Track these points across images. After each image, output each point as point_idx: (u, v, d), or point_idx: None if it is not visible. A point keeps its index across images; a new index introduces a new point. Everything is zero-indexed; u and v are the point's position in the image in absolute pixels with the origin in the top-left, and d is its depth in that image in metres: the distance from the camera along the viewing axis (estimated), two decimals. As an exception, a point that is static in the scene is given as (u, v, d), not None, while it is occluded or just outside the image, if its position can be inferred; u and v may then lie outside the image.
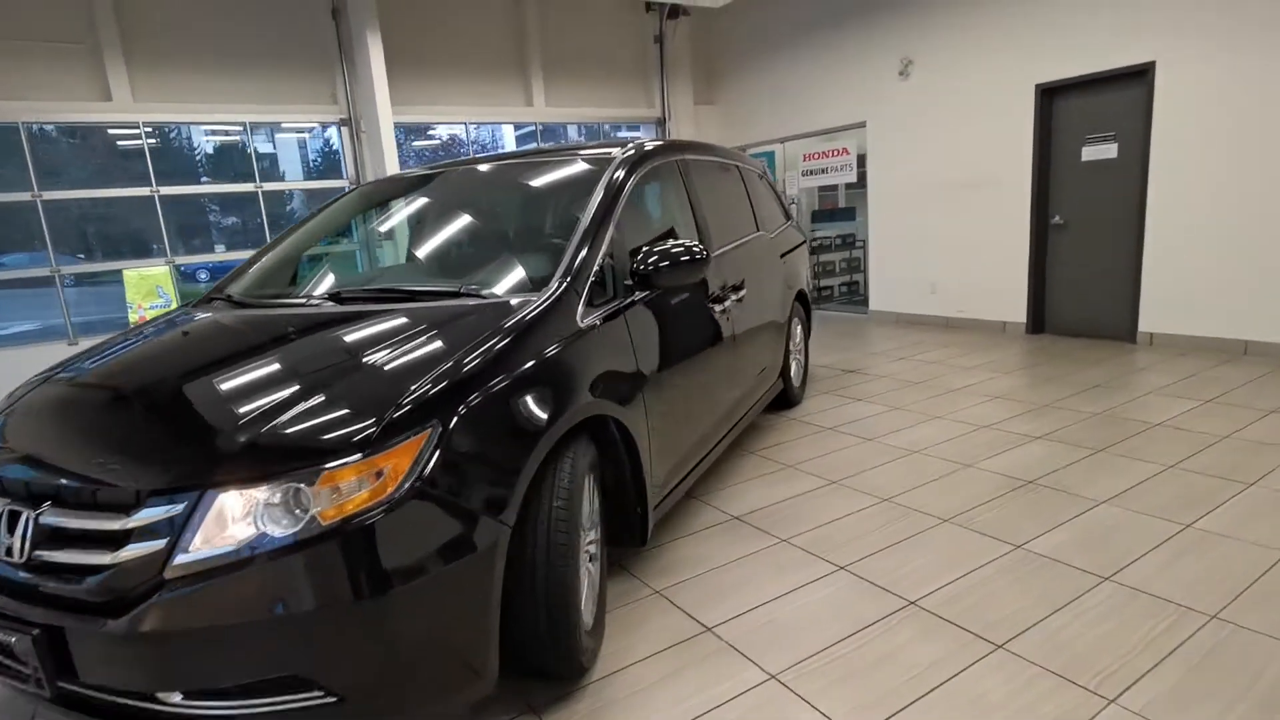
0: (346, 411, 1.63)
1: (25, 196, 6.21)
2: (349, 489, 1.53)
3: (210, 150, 7.29)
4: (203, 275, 8.44)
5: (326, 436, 1.58)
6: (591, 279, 2.33)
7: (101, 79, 6.37)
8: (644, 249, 2.52)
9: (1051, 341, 6.30)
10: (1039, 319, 6.61)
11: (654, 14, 8.96)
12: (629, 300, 2.47)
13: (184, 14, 6.62)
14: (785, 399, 4.66)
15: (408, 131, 8.17)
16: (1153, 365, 5.22)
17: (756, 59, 8.98)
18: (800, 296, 4.84)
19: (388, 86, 7.06)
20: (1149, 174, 5.63)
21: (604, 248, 2.43)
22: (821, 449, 3.95)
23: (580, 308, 2.23)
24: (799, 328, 4.85)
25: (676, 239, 2.61)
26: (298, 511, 1.50)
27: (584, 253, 2.36)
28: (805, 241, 5.27)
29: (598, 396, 2.16)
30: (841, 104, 8.01)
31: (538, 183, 3.00)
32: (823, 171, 8.38)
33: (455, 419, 1.68)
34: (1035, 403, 4.49)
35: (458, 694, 1.71)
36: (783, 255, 4.45)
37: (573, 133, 9.03)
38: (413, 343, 1.92)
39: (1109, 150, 5.95)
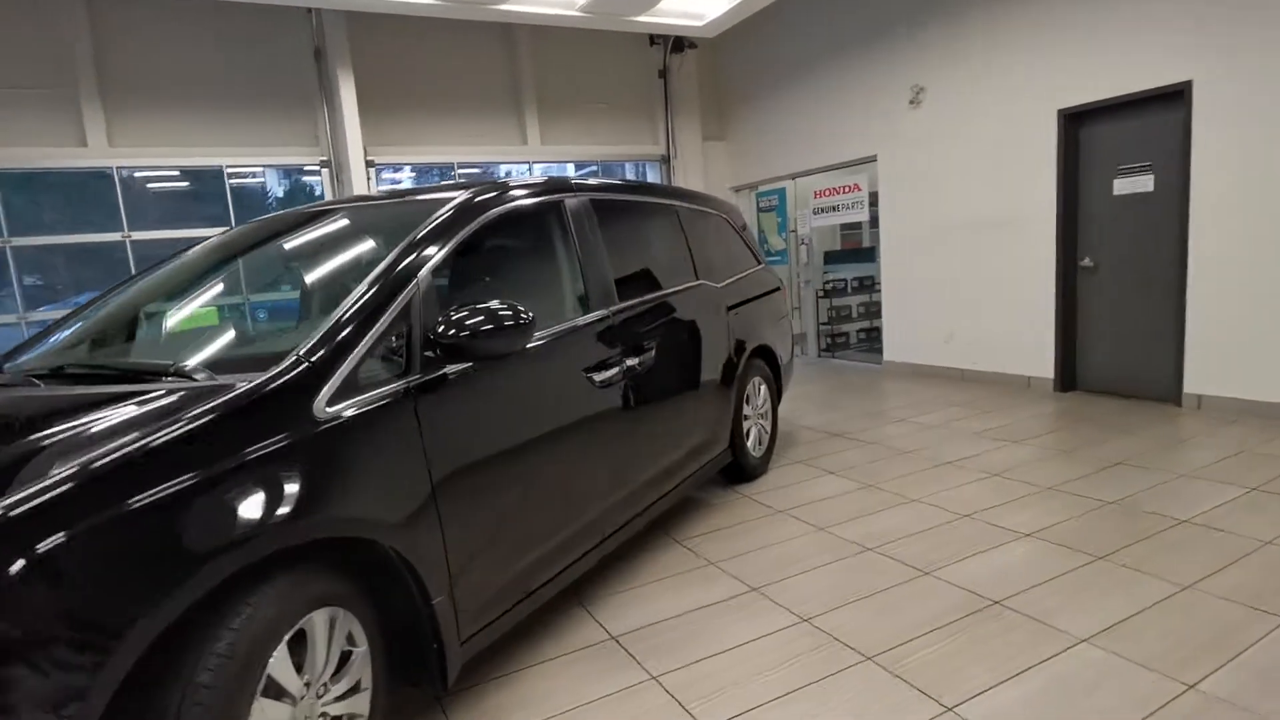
0: None
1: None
2: None
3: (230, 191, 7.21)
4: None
5: None
6: (360, 356, 1.83)
7: (76, 127, 6.35)
8: (444, 316, 2.01)
9: (1082, 402, 5.45)
10: (1068, 375, 5.77)
11: (658, 47, 8.60)
12: (421, 380, 1.95)
13: (163, 58, 6.58)
14: (740, 471, 4.03)
15: (423, 172, 7.94)
16: (1195, 436, 4.37)
17: (766, 92, 8.49)
18: (762, 352, 4.24)
19: (359, 127, 6.90)
20: (1190, 208, 4.81)
21: (390, 317, 1.93)
22: (759, 540, 3.30)
23: (324, 394, 1.72)
24: (762, 388, 4.23)
25: (512, 302, 2.09)
26: None
27: (350, 324, 1.86)
28: (777, 288, 4.68)
29: (335, 511, 1.64)
30: (851, 137, 7.41)
31: (346, 236, 2.54)
32: (833, 209, 7.75)
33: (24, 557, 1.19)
34: (1038, 484, 3.73)
35: None
36: (732, 307, 3.87)
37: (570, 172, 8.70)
38: (34, 446, 1.45)
39: (1144, 183, 5.17)
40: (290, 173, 7.41)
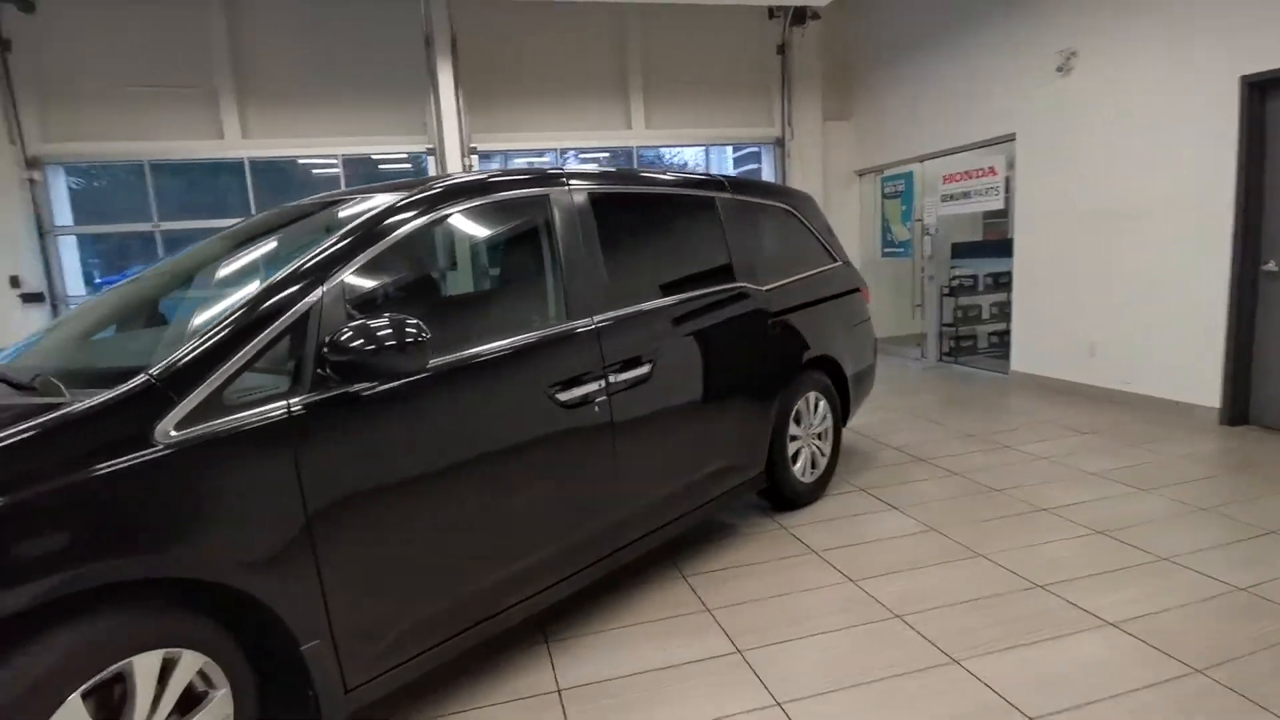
0: None
1: (146, 226, 6.92)
2: None
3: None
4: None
5: None
6: (229, 374, 1.68)
7: (213, 120, 6.92)
8: (331, 334, 1.81)
9: (1252, 441, 4.38)
10: (1240, 405, 4.66)
11: (778, 21, 7.99)
12: (305, 401, 1.76)
13: (290, 54, 7.00)
14: (784, 497, 3.58)
15: (531, 159, 7.97)
16: (1404, 504, 3.31)
17: (895, 64, 7.63)
18: (823, 364, 3.72)
19: (456, 114, 6.95)
20: None
21: (274, 332, 1.76)
22: (773, 585, 2.88)
23: (173, 416, 1.58)
24: (820, 405, 3.72)
25: (405, 317, 1.86)
26: None
27: (218, 338, 1.70)
28: (854, 290, 4.11)
29: (158, 547, 1.51)
30: (987, 113, 6.46)
31: (290, 236, 2.39)
32: (964, 196, 6.83)
33: None
34: (1152, 551, 2.98)
35: None
36: (780, 314, 3.40)
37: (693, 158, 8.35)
38: None
39: (1364, 166, 4.00)
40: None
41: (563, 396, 2.34)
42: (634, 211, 2.98)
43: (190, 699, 1.63)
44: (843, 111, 8.48)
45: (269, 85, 7.01)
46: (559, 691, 2.26)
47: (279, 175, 7.37)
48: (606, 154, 8.11)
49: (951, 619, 2.55)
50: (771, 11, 7.86)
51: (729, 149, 9.26)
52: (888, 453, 4.57)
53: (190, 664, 1.60)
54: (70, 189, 7.07)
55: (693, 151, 8.94)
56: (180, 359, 1.64)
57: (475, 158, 7.49)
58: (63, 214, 6.98)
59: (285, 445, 1.72)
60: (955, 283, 7.39)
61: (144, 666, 1.52)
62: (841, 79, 8.45)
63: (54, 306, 6.77)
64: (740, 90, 8.13)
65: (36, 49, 6.47)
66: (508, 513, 2.23)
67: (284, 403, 1.74)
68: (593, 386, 2.43)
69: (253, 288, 1.85)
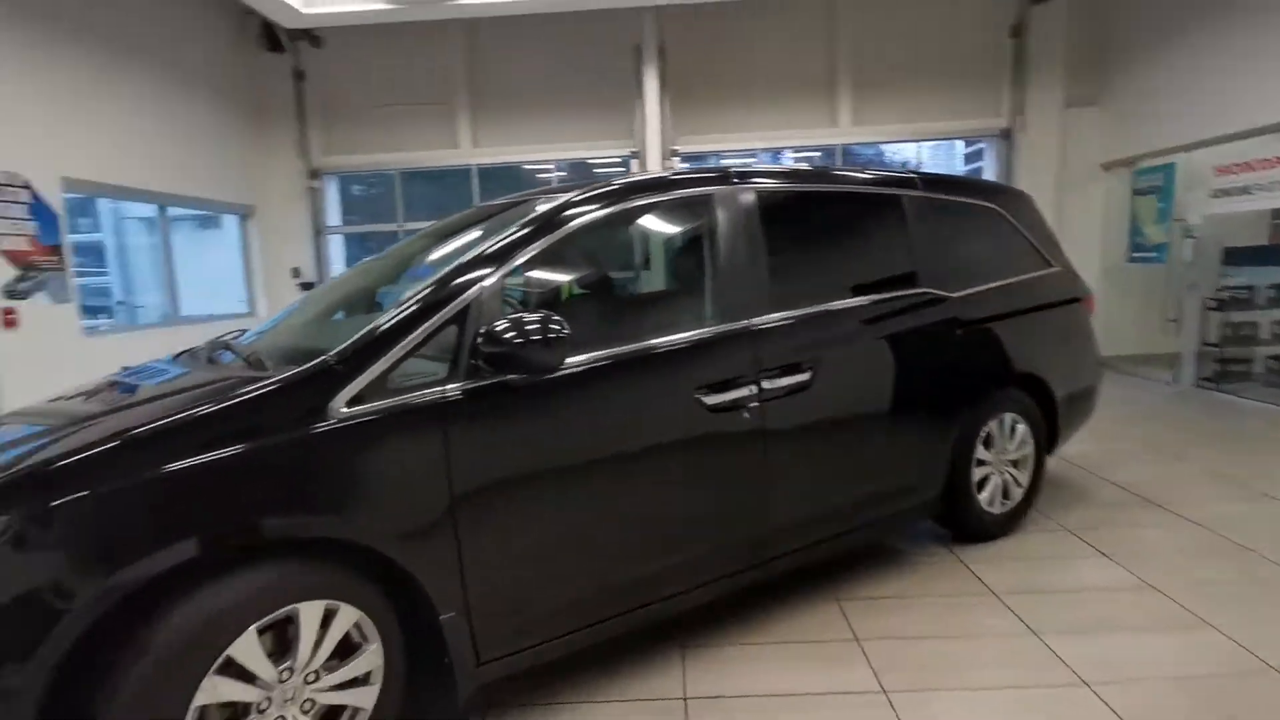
0: None
1: (392, 227, 7.95)
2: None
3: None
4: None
5: None
6: (393, 360, 1.87)
7: (450, 132, 7.75)
8: (485, 326, 1.94)
9: None
10: None
11: (1010, 1, 7.18)
12: (461, 388, 1.91)
13: (516, 71, 7.65)
14: (966, 527, 3.22)
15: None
16: None
17: (1161, 39, 6.53)
18: (1026, 382, 3.29)
19: (660, 117, 7.13)
20: None
21: (435, 324, 1.93)
22: (939, 625, 2.60)
23: (345, 394, 1.80)
24: (1019, 429, 3.30)
25: (549, 314, 1.94)
26: None
27: (388, 328, 1.91)
28: (1074, 299, 3.59)
29: (318, 510, 1.72)
30: (1276, 88, 5.28)
31: (472, 234, 2.56)
32: (1244, 192, 5.65)
33: (25, 520, 1.48)
34: None
35: None
36: (973, 323, 3.06)
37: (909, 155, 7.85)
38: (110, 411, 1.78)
39: None
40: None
41: (709, 400, 2.31)
42: (804, 211, 2.86)
43: (347, 648, 1.84)
44: (1088, 96, 7.41)
45: (497, 100, 7.72)
46: (685, 700, 2.24)
47: (502, 179, 8.09)
48: (818, 153, 7.86)
49: (1154, 696, 2.13)
50: (1005, -11, 7.10)
51: (959, 145, 8.54)
52: (1107, 490, 3.93)
53: (347, 617, 1.81)
54: (340, 195, 8.35)
55: (914, 148, 8.34)
56: (353, 344, 1.86)
57: (676, 160, 7.64)
58: (333, 216, 8.26)
59: (438, 427, 1.88)
60: (1225, 294, 6.15)
61: (309, 613, 1.75)
62: (1089, 59, 7.39)
63: (322, 294, 8.04)
64: (960, 80, 7.44)
65: (323, 77, 7.71)
66: (646, 511, 2.26)
67: (440, 388, 1.90)
68: (743, 392, 2.37)
69: (421, 282, 2.05)
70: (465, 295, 1.99)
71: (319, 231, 8.00)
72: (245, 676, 1.67)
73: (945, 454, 3.02)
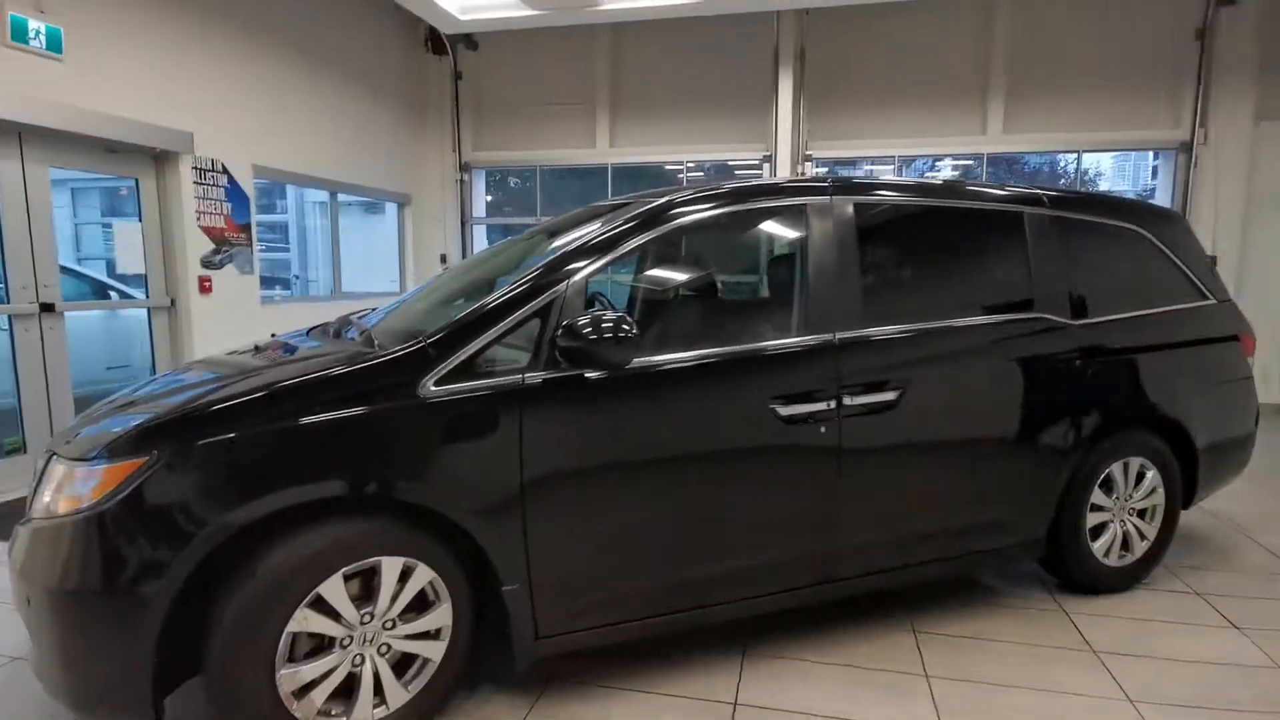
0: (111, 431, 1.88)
1: (531, 220, 8.37)
2: (71, 489, 1.80)
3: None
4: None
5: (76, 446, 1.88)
6: (479, 347, 2.04)
7: (589, 132, 8.05)
8: (565, 321, 2.06)
9: None
10: None
11: (1200, 1, 6.43)
12: (543, 377, 2.05)
13: (654, 73, 7.81)
14: (1073, 574, 2.98)
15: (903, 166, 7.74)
16: None
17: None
18: (1159, 425, 3.00)
19: (791, 120, 7.06)
20: None
21: (520, 316, 2.08)
22: (1019, 673, 2.45)
23: (434, 374, 1.98)
24: (1148, 476, 3.01)
25: (622, 315, 2.03)
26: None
27: (478, 317, 2.08)
28: (1229, 338, 3.22)
29: (399, 477, 1.91)
30: None
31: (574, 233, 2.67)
32: None
33: (171, 454, 1.77)
34: None
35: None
36: (1095, 354, 2.83)
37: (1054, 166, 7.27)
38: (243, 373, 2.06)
39: None
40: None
41: (784, 411, 2.31)
42: (907, 225, 2.77)
43: (422, 604, 2.04)
44: (1291, 109, 6.50)
45: (634, 101, 7.93)
46: (734, 705, 2.27)
47: (635, 177, 8.30)
48: (970, 162, 7.41)
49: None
50: (1193, -12, 6.37)
51: (1149, 156, 7.72)
52: (1256, 554, 3.48)
53: (423, 576, 2.01)
54: (486, 188, 8.91)
55: (1095, 157, 7.56)
56: (444, 330, 2.04)
57: (810, 164, 7.51)
58: (479, 207, 8.83)
59: (515, 412, 2.03)
60: None
61: (390, 567, 1.95)
62: (1296, 65, 6.47)
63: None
64: (1132, 86, 6.76)
65: (477, 78, 8.26)
66: (710, 514, 2.30)
67: (520, 376, 2.05)
68: (819, 406, 2.35)
69: (514, 277, 2.20)
70: (550, 292, 2.12)
71: (465, 221, 8.58)
72: (331, 614, 1.90)
73: (1051, 494, 2.81)
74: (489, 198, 8.99)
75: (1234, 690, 2.36)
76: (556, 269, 2.17)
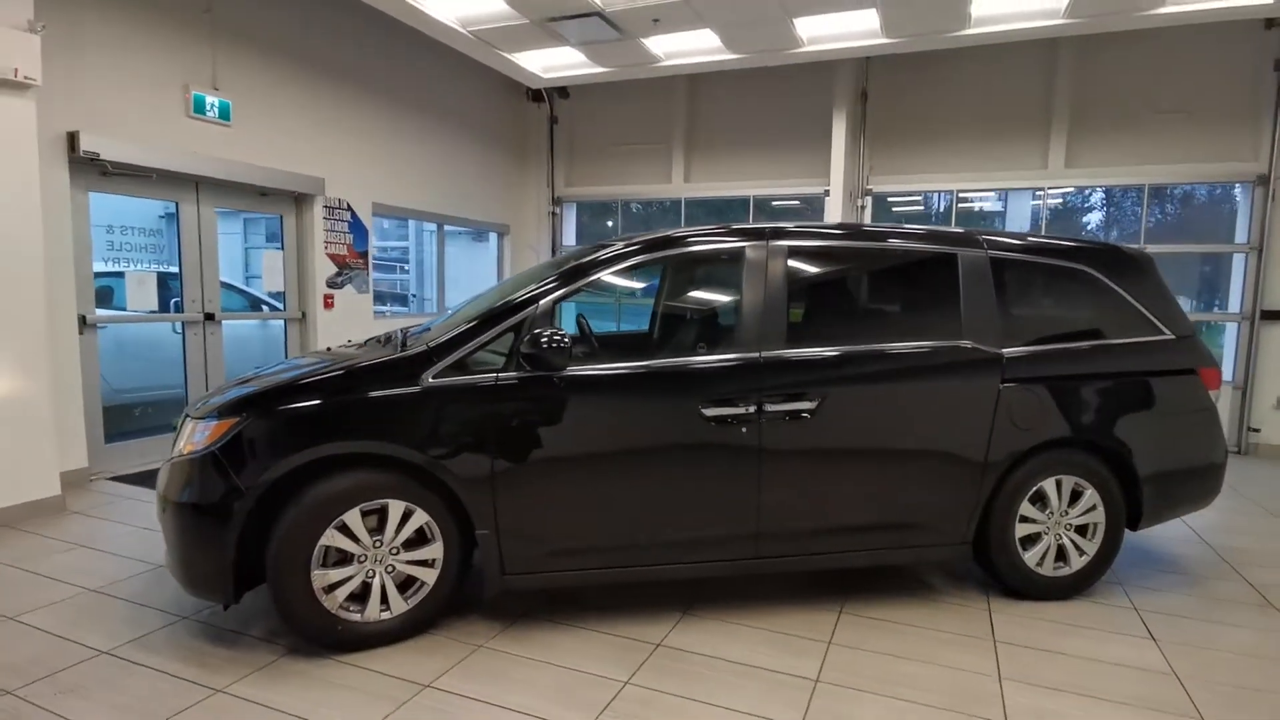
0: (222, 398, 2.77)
1: (611, 248, 9.18)
2: (193, 437, 2.70)
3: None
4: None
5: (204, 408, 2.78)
6: (466, 352, 2.78)
7: (666, 169, 8.80)
8: (529, 334, 2.76)
9: None
10: None
11: (1277, 31, 6.25)
12: (514, 377, 2.76)
13: (725, 114, 8.45)
14: (1008, 578, 3.29)
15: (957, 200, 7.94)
16: None
17: None
18: (1091, 447, 3.26)
19: (850, 158, 7.40)
20: None
21: (498, 330, 2.81)
22: (913, 650, 2.85)
23: (433, 369, 2.74)
24: (1086, 494, 3.26)
25: (561, 332, 2.71)
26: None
27: (466, 329, 2.82)
28: (1183, 371, 3.40)
29: (404, 441, 2.66)
30: None
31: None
32: None
33: (253, 418, 2.62)
34: None
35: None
36: (1022, 380, 3.16)
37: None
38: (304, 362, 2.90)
39: None
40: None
41: (709, 413, 2.88)
42: (837, 264, 3.28)
43: (421, 540, 2.78)
44: (1388, 138, 6.14)
45: (706, 140, 8.60)
46: (657, 646, 2.84)
47: (709, 208, 8.93)
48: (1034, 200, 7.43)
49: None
50: (1271, 21, 6.20)
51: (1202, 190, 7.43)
52: (1232, 585, 3.58)
53: (420, 517, 2.76)
54: (576, 218, 9.86)
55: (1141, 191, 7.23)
56: (440, 338, 2.80)
57: (869, 200, 7.84)
58: (569, 236, 9.77)
59: (489, 401, 2.74)
60: None
61: (395, 508, 2.72)
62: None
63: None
64: (1203, 118, 6.61)
65: (569, 122, 9.24)
66: (650, 491, 2.90)
67: (494, 375, 2.76)
68: (740, 410, 2.90)
69: (502, 299, 2.93)
70: (523, 313, 2.84)
71: (556, 248, 9.54)
72: (352, 536, 2.68)
73: (974, 503, 3.16)
74: (579, 227, 9.92)
75: (1108, 684, 2.65)
76: (528, 296, 2.88)
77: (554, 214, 9.43)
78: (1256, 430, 6.69)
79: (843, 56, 6.83)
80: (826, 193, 7.97)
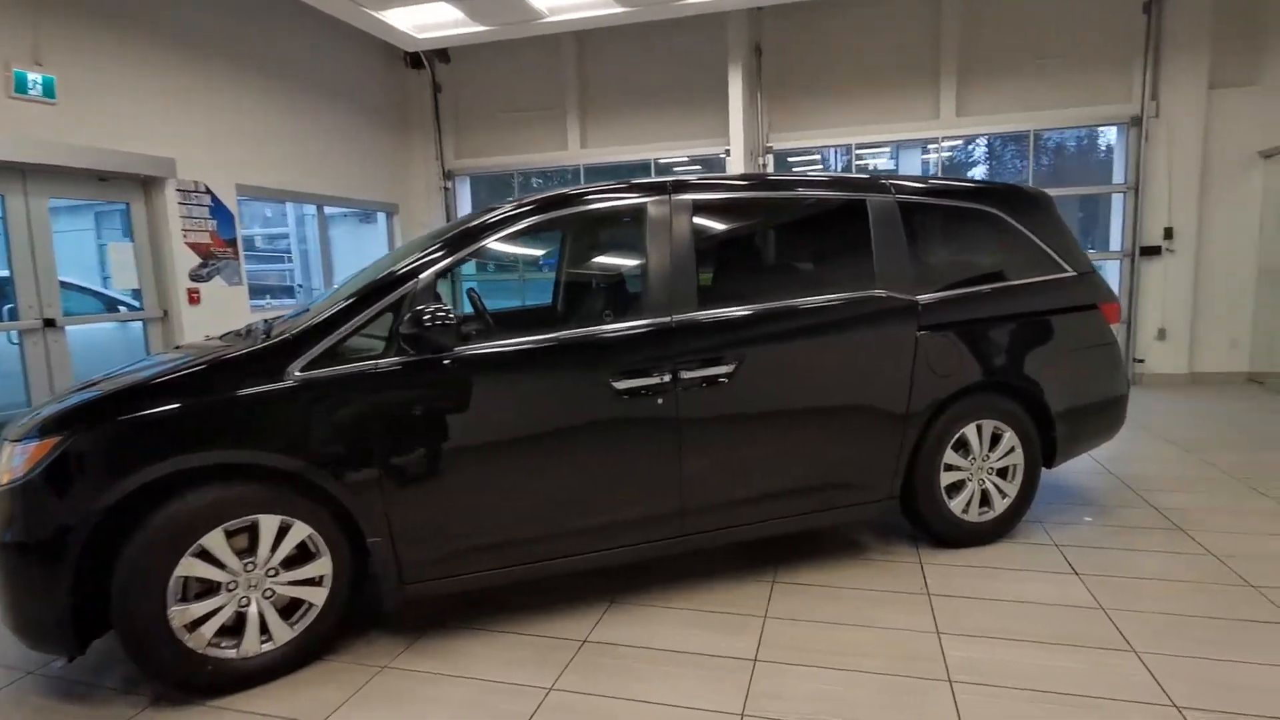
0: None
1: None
2: (10, 463, 2.22)
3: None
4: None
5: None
6: (339, 338, 2.41)
7: (561, 135, 8.41)
8: (408, 313, 2.42)
9: None
10: None
11: (1145, -27, 6.50)
12: (396, 362, 2.41)
13: (617, 75, 8.13)
14: (935, 530, 3.24)
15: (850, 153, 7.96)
16: None
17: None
18: (1006, 389, 3.24)
19: (748, 116, 7.27)
20: None
21: (374, 310, 2.46)
22: (848, 613, 2.74)
23: (299, 361, 2.36)
24: (1005, 437, 3.24)
25: (443, 308, 2.38)
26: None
27: (333, 312, 2.45)
28: (1086, 306, 3.41)
29: (274, 450, 2.29)
30: None
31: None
32: None
33: (78, 435, 2.18)
34: None
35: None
36: (939, 327, 3.08)
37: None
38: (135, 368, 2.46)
39: None
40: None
41: (620, 385, 2.63)
42: (747, 218, 3.07)
43: (306, 556, 2.42)
44: (1243, 76, 6.52)
45: (602, 104, 8.27)
46: (583, 642, 2.60)
47: (610, 175, 8.63)
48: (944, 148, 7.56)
49: (1006, 705, 2.16)
50: (1138, -38, 6.43)
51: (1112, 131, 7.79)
52: (1141, 512, 3.68)
53: (300, 531, 2.39)
54: (472, 193, 9.34)
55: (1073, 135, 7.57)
56: (305, 324, 2.42)
57: (770, 158, 7.75)
58: (465, 212, 9.25)
59: (369, 392, 2.39)
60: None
61: (267, 524, 2.34)
62: (1246, 33, 6.49)
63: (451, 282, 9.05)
64: (1083, 63, 6.84)
65: (454, 90, 8.69)
66: (561, 477, 2.63)
67: (373, 362, 2.41)
68: (653, 380, 2.67)
69: (374, 277, 2.57)
70: (401, 289, 2.49)
71: (452, 226, 9.02)
72: (215, 563, 2.29)
73: (898, 454, 3.08)
74: (475, 202, 9.41)
75: (1043, 626, 2.61)
76: (407, 270, 2.53)
77: (446, 189, 8.88)
78: (1140, 361, 7.07)
79: (732, 6, 6.63)
80: (727, 152, 7.82)
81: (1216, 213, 6.73)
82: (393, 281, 2.51)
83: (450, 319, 2.38)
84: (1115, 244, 7.18)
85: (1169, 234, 6.80)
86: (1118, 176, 7.15)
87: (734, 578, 3.07)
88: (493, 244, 2.66)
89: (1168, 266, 6.86)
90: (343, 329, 2.43)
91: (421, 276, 2.52)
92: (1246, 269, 6.78)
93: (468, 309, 3.27)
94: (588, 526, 2.69)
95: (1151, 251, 6.87)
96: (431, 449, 2.47)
